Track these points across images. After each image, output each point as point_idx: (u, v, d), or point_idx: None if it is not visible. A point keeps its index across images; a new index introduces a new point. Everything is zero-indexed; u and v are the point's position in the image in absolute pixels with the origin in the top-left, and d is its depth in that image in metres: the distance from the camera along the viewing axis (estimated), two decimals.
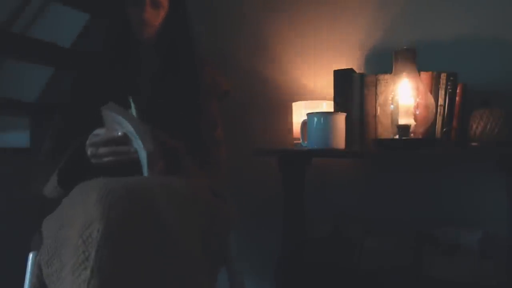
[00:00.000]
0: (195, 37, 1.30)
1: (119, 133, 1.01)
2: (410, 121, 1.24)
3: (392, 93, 1.27)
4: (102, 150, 1.03)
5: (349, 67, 1.42)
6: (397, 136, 1.24)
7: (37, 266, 0.94)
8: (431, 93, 1.28)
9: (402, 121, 1.24)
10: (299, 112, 1.47)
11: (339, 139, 1.28)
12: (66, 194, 1.03)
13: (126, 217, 0.81)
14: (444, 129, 1.28)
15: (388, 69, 1.31)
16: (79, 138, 1.09)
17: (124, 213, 0.81)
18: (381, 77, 1.34)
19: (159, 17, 1.22)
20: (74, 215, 0.88)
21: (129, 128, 0.99)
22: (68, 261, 0.82)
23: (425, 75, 1.30)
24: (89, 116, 1.09)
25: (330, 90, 1.41)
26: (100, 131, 1.05)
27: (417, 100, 1.25)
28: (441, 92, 1.29)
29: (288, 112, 1.55)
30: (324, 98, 1.52)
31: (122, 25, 1.22)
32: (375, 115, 1.34)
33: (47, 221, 1.01)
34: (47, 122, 1.26)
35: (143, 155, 0.99)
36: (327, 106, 1.46)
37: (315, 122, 1.28)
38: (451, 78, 1.28)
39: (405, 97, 1.24)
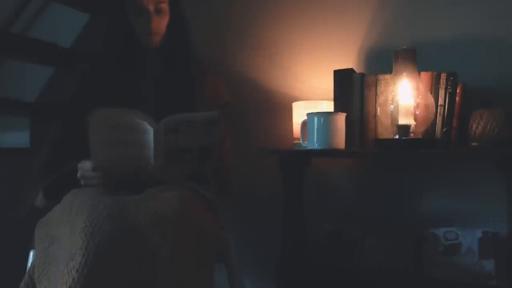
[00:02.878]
0: (194, 43, 1.32)
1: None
2: (410, 121, 1.24)
3: (392, 93, 1.27)
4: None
5: (349, 67, 1.42)
6: (397, 136, 1.24)
7: (29, 276, 0.97)
8: (431, 93, 1.28)
9: (402, 121, 1.24)
10: (299, 112, 1.47)
11: (339, 139, 1.28)
12: (53, 203, 1.07)
13: (106, 246, 0.88)
14: (444, 129, 1.28)
15: (388, 69, 1.31)
16: (71, 164, 1.14)
17: (105, 243, 0.88)
18: (381, 77, 1.34)
19: (164, 24, 1.25)
20: (63, 235, 0.94)
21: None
22: (55, 284, 0.89)
23: (425, 75, 1.30)
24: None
25: (330, 90, 1.41)
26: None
27: (417, 100, 1.25)
28: (441, 92, 1.29)
29: (288, 112, 1.54)
30: (324, 98, 1.52)
31: (125, 32, 1.24)
32: (375, 115, 1.34)
33: (39, 228, 1.05)
34: (47, 122, 1.27)
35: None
36: (327, 106, 1.46)
37: (315, 122, 1.28)
38: (451, 78, 1.28)
39: (405, 97, 1.24)
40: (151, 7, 1.20)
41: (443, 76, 1.29)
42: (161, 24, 1.23)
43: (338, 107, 1.37)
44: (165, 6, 1.22)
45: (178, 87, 1.25)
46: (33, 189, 1.20)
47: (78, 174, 1.11)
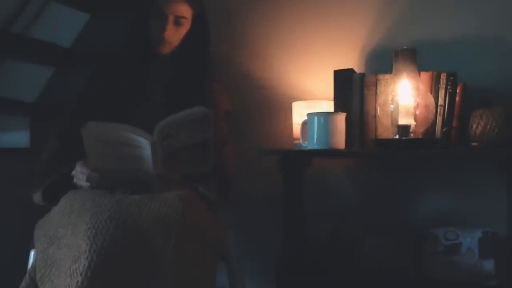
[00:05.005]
0: (211, 55, 1.36)
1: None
2: (410, 121, 1.24)
3: (392, 93, 1.27)
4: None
5: (349, 67, 1.42)
6: (397, 136, 1.24)
7: (29, 276, 0.98)
8: (431, 93, 1.28)
9: (402, 121, 1.24)
10: (299, 112, 1.47)
11: (339, 139, 1.28)
12: (52, 204, 1.07)
13: (110, 249, 0.87)
14: (444, 129, 1.28)
15: (388, 69, 1.31)
16: (68, 166, 1.14)
17: (108, 245, 0.87)
18: (381, 77, 1.34)
19: (179, 36, 1.28)
20: (63, 237, 0.94)
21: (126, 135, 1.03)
22: (58, 286, 0.89)
23: (425, 75, 1.30)
24: (96, 118, 1.10)
25: (330, 90, 1.41)
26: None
27: (417, 100, 1.25)
28: (441, 92, 1.29)
29: (288, 112, 1.54)
30: (324, 98, 1.52)
31: (143, 35, 1.27)
32: (375, 115, 1.34)
33: (37, 229, 1.05)
34: (47, 122, 1.27)
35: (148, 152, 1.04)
36: (327, 106, 1.46)
37: (315, 122, 1.28)
38: (451, 78, 1.28)
39: (405, 97, 1.24)
40: (171, 16, 1.23)
41: (443, 76, 1.29)
42: (176, 34, 1.26)
43: (338, 107, 1.37)
44: (185, 21, 1.25)
45: (187, 93, 1.26)
46: (35, 183, 1.20)
47: (73, 173, 1.11)
